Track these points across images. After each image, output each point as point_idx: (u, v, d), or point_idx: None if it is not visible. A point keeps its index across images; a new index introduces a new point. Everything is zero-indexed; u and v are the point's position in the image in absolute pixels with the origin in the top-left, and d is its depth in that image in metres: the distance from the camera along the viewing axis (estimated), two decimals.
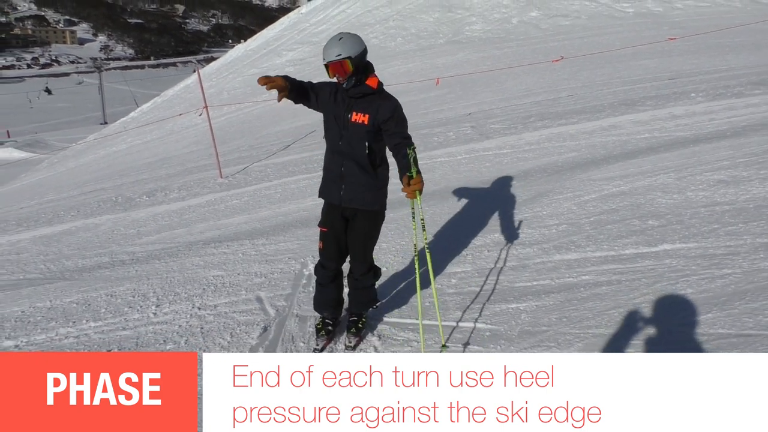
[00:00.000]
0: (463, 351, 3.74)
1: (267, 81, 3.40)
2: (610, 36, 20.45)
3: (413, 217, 3.71)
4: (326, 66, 3.54)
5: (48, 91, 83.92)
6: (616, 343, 3.49)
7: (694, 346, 3.30)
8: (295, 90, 3.60)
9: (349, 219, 3.86)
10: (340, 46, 3.49)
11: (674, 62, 13.76)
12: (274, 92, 3.53)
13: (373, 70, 3.68)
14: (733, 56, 13.61)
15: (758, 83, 9.86)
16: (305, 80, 3.77)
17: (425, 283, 4.25)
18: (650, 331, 3.57)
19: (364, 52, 3.59)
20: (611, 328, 3.67)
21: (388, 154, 3.80)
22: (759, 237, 4.52)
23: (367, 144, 3.65)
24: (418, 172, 3.38)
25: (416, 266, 3.68)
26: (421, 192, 3.43)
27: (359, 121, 3.62)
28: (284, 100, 3.59)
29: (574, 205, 5.85)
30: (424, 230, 3.69)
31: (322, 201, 3.97)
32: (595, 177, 6.54)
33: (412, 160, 3.37)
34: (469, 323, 4.07)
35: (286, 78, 3.54)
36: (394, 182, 3.98)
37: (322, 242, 3.95)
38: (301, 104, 3.77)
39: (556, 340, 3.67)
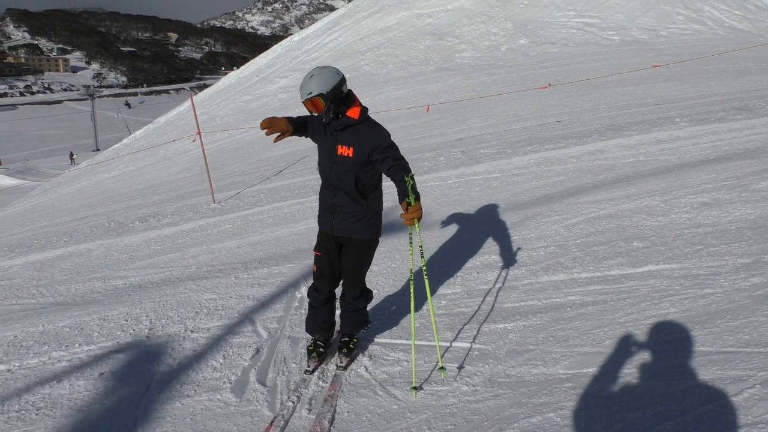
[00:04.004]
0: (458, 371, 3.80)
1: (269, 125, 3.54)
2: (596, 63, 20.85)
3: (410, 243, 3.79)
4: (304, 104, 3.64)
5: (128, 104, 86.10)
6: (601, 362, 3.56)
7: (677, 364, 3.38)
8: (295, 127, 3.78)
9: (343, 245, 3.93)
10: (311, 83, 3.55)
11: (659, 88, 14.05)
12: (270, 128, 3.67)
13: (354, 100, 3.70)
14: (716, 82, 13.92)
15: (740, 108, 10.09)
16: (297, 114, 3.90)
17: (419, 307, 4.32)
18: (635, 349, 3.65)
19: (340, 83, 3.60)
20: (597, 346, 3.74)
21: (384, 178, 3.90)
22: (740, 258, 4.63)
23: (354, 176, 3.73)
24: (417, 198, 3.41)
25: (411, 290, 3.74)
26: (419, 219, 3.45)
27: (345, 153, 3.69)
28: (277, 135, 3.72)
29: (562, 228, 5.96)
30: (422, 257, 3.76)
31: (314, 225, 4.06)
32: (582, 200, 6.67)
33: (410, 188, 3.41)
34: (458, 343, 4.14)
35: (288, 120, 3.68)
36: (385, 207, 4.09)
37: (317, 266, 4.02)
38: (298, 135, 3.92)
39: (542, 358, 3.74)
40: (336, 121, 3.66)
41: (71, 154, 52.96)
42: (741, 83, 13.40)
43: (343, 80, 3.64)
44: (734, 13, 27.99)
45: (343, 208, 3.80)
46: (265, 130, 3.59)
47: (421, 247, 3.78)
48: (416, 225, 3.48)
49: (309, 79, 3.58)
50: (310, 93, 3.56)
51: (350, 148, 3.67)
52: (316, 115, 3.79)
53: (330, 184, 3.82)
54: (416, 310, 4.27)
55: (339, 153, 3.70)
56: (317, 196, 4.04)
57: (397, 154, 3.67)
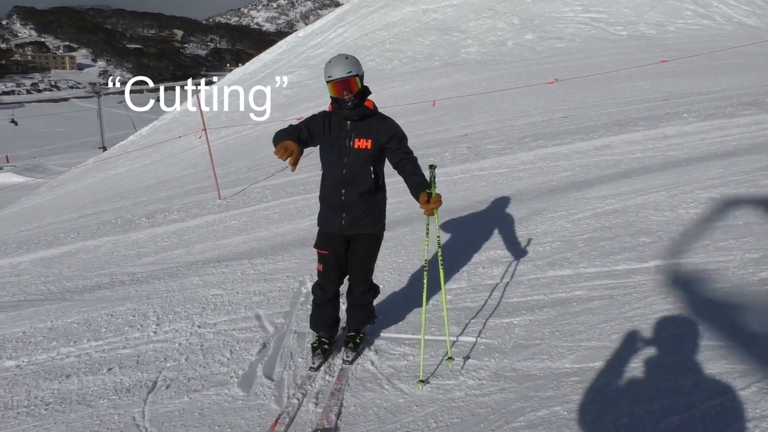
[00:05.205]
0: (463, 363, 3.80)
1: (285, 154, 3.30)
2: (604, 58, 20.76)
3: (427, 234, 3.79)
4: (330, 83, 3.59)
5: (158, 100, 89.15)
6: (608, 356, 3.55)
7: (684, 358, 3.37)
8: (300, 144, 3.52)
9: (351, 241, 3.92)
10: (348, 64, 3.57)
11: (667, 84, 13.99)
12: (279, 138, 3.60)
13: (370, 93, 3.76)
14: (724, 78, 13.84)
15: (748, 104, 10.03)
16: (287, 127, 3.75)
17: (426, 301, 4.31)
18: (641, 344, 3.63)
19: (363, 73, 3.70)
20: (603, 341, 3.73)
21: (387, 174, 3.89)
22: (748, 252, 4.61)
23: (371, 168, 3.72)
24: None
25: (425, 281, 3.74)
26: (437, 209, 3.50)
27: (362, 146, 3.68)
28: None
29: (568, 223, 5.95)
30: (439, 247, 3.79)
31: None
32: (588, 195, 6.65)
33: (432, 179, 3.45)
34: (464, 337, 4.14)
35: (292, 140, 3.46)
36: (390, 202, 4.09)
37: (322, 265, 3.98)
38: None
39: (549, 353, 3.73)
40: (354, 111, 3.64)
41: (104, 149, 53.22)
42: (749, 79, 13.31)
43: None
44: (743, 9, 27.81)
45: (352, 206, 3.77)
46: (288, 159, 3.33)
47: (438, 237, 3.79)
48: (435, 215, 3.52)
49: (344, 59, 3.59)
50: (350, 72, 3.55)
51: (368, 140, 3.68)
52: (315, 114, 3.79)
53: (341, 182, 3.76)
54: (429, 303, 4.27)
55: (357, 147, 3.68)
56: (319, 195, 4.00)
57: (408, 148, 3.73)
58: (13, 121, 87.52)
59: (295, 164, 3.42)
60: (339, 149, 3.72)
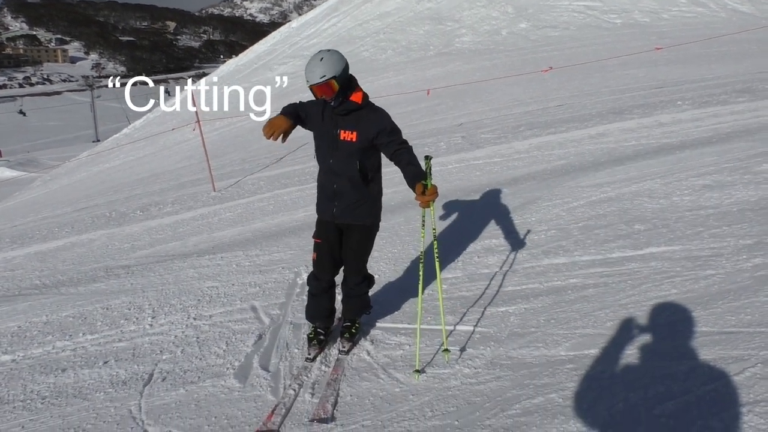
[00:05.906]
0: (460, 353, 3.81)
1: (272, 130, 3.49)
2: (598, 46, 20.73)
3: (423, 225, 3.78)
4: (311, 88, 3.56)
5: (168, 92, 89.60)
6: (603, 343, 3.57)
7: (678, 344, 3.38)
8: (293, 119, 3.65)
9: (344, 231, 3.92)
10: (322, 66, 3.48)
11: (661, 71, 13.97)
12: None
13: (357, 85, 3.69)
14: (718, 65, 13.84)
15: (742, 91, 10.04)
16: (296, 101, 3.81)
17: (425, 289, 4.31)
18: (636, 331, 3.65)
19: (347, 67, 3.59)
20: (598, 328, 3.75)
21: (384, 164, 3.88)
22: (742, 239, 4.62)
23: (358, 162, 3.69)
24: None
25: (420, 273, 3.73)
26: (433, 201, 3.46)
27: (348, 139, 3.64)
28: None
29: (563, 211, 5.95)
30: (435, 239, 3.77)
31: (314, 212, 4.04)
32: (583, 184, 6.65)
33: (428, 171, 3.41)
34: (460, 326, 4.14)
35: (286, 115, 3.60)
36: (386, 192, 4.07)
37: (316, 253, 3.98)
38: (297, 125, 3.78)
39: (544, 340, 3.74)
40: (340, 106, 3.62)
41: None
42: (743, 66, 13.31)
43: (347, 64, 3.62)
44: None
45: (344, 195, 3.77)
46: (271, 137, 3.52)
47: (434, 229, 3.78)
48: (431, 207, 3.49)
49: (319, 62, 3.50)
50: (324, 76, 3.48)
51: (353, 132, 3.63)
52: (307, 101, 3.78)
53: (330, 172, 3.77)
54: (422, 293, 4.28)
55: (342, 138, 3.65)
56: (316, 183, 4.01)
57: (401, 138, 3.68)
58: (21, 112, 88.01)
59: (279, 137, 3.56)
60: (328, 139, 3.72)
